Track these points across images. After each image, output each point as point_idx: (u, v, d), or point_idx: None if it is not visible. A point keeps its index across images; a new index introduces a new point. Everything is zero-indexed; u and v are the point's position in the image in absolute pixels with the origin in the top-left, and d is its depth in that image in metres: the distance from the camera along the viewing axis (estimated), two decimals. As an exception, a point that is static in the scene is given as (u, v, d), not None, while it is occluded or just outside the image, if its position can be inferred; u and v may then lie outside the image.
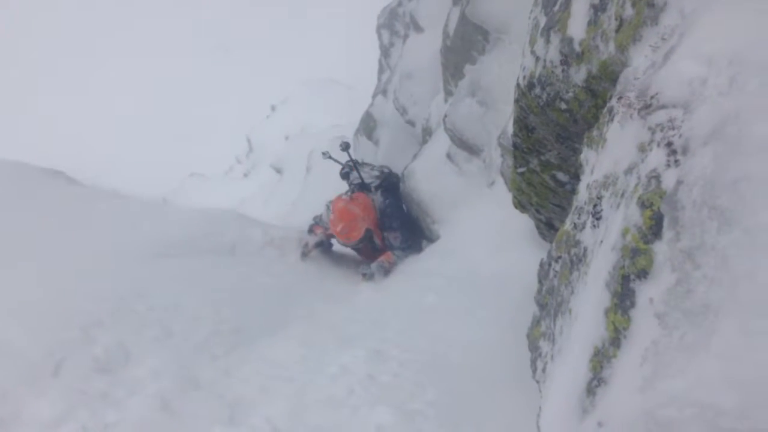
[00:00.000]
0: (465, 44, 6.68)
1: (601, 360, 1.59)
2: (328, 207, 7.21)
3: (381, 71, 12.80)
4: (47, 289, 4.33)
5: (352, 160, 7.29)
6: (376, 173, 7.27)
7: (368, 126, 10.83)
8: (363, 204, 6.83)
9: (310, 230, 7.17)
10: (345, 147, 7.13)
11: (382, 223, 6.97)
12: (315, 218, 7.35)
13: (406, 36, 11.15)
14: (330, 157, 7.25)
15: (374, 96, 11.66)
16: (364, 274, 6.33)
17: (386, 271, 6.34)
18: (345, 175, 7.40)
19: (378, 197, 7.08)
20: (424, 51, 8.90)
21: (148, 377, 3.71)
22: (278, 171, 19.99)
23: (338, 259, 7.04)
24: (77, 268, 4.69)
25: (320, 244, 6.89)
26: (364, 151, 10.41)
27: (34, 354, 3.66)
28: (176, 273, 5.08)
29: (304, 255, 6.59)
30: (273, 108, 30.73)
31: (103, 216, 6.12)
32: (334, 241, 7.18)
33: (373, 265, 6.40)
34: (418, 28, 9.77)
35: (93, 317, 4.10)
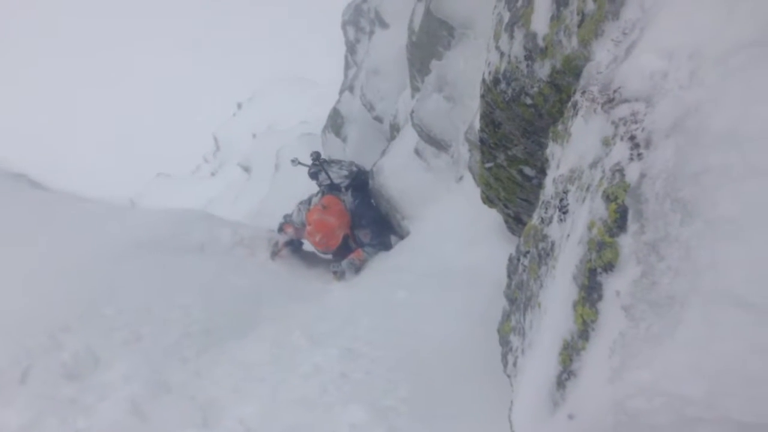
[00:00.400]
0: (430, 40, 6.69)
1: (570, 353, 1.61)
2: (300, 208, 7.18)
3: (347, 67, 12.77)
4: (11, 294, 4.24)
5: (320, 161, 7.24)
6: (345, 173, 7.22)
7: (336, 123, 10.79)
8: (337, 211, 6.83)
9: (280, 229, 7.13)
10: (316, 157, 7.14)
11: (353, 222, 6.97)
12: (285, 217, 7.30)
13: (371, 32, 11.13)
14: (300, 163, 7.26)
15: (341, 92, 11.63)
16: (335, 272, 6.32)
17: (357, 269, 6.34)
18: (314, 175, 7.36)
19: (348, 197, 7.07)
20: (389, 47, 8.90)
21: (118, 382, 3.66)
22: (246, 169, 19.81)
23: (308, 258, 7.01)
24: (43, 273, 4.60)
25: (290, 243, 6.86)
26: (333, 148, 10.38)
27: (0, 361, 3.58)
28: (144, 275, 5.01)
29: (275, 254, 6.55)
30: (239, 106, 30.46)
31: (68, 219, 5.99)
32: (304, 239, 7.15)
33: (344, 263, 6.39)
34: (384, 24, 9.76)
35: (60, 322, 4.03)
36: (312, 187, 7.59)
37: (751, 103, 1.39)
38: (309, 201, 7.27)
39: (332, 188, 7.12)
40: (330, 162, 7.46)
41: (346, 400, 3.54)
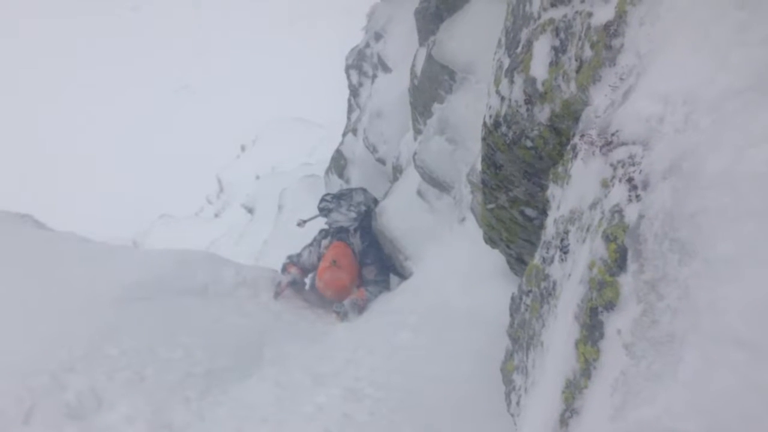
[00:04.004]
0: (432, 84, 6.81)
1: (572, 391, 1.62)
2: (310, 251, 7.21)
3: (350, 110, 12.93)
4: (15, 334, 4.25)
5: (329, 201, 7.36)
6: (353, 215, 7.25)
7: (339, 164, 10.89)
8: (347, 265, 6.86)
9: (284, 269, 7.14)
10: (302, 224, 7.55)
11: (360, 262, 7.00)
12: (289, 257, 7.32)
13: (374, 76, 11.30)
14: (305, 221, 7.48)
15: (344, 135, 11.75)
16: (337, 313, 6.31)
17: (360, 309, 6.33)
18: (324, 213, 7.42)
19: (357, 240, 7.10)
20: (392, 90, 9.04)
21: (122, 422, 3.66)
22: (249, 210, 19.89)
23: (312, 298, 7.01)
24: (46, 312, 4.62)
25: (293, 283, 6.86)
26: (335, 190, 10.45)
27: (3, 402, 3.58)
28: (147, 315, 5.02)
29: (278, 294, 6.55)
30: (243, 148, 30.72)
31: (72, 260, 6.03)
32: (307, 280, 7.17)
33: (347, 303, 6.38)
34: (386, 68, 9.94)
35: (63, 362, 4.04)
36: (315, 226, 7.65)
37: (745, 146, 1.43)
38: (319, 243, 7.28)
39: (341, 230, 7.16)
40: (340, 198, 7.48)
41: (349, 442, 3.52)
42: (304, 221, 7.59)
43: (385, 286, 6.84)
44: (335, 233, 7.18)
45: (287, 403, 4.07)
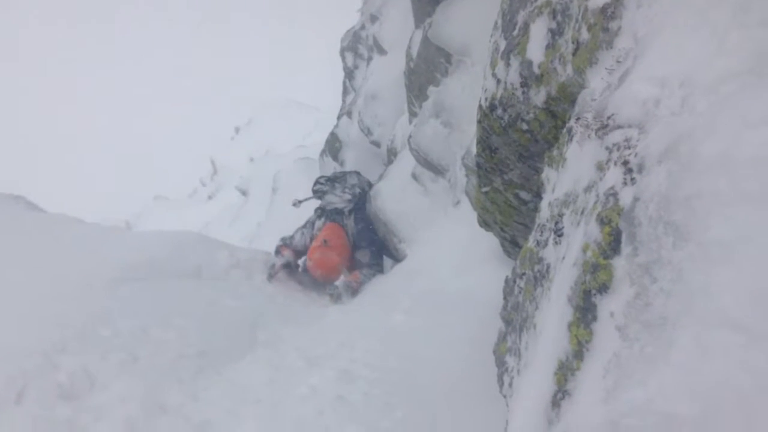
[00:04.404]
0: (428, 66, 6.78)
1: (565, 373, 1.63)
2: (303, 233, 7.21)
3: (345, 93, 12.88)
4: (7, 315, 4.24)
5: (324, 184, 7.37)
6: (348, 197, 7.26)
7: (333, 147, 10.87)
8: (339, 246, 6.88)
9: (277, 252, 7.14)
10: (297, 204, 7.57)
11: (353, 244, 7.01)
12: (282, 239, 7.32)
13: (369, 58, 11.26)
14: (300, 202, 7.49)
15: (339, 117, 11.72)
16: (331, 295, 6.32)
17: (354, 291, 6.35)
18: (319, 195, 7.43)
19: (351, 222, 7.11)
20: (387, 73, 9.00)
21: (115, 402, 3.65)
22: (243, 193, 19.88)
23: (305, 280, 7.02)
24: (39, 294, 4.61)
25: (287, 266, 6.87)
26: (330, 173, 10.45)
27: (-5, 382, 3.58)
28: (141, 297, 5.01)
29: (271, 277, 6.56)
30: (237, 130, 30.64)
31: (65, 241, 6.01)
32: (300, 262, 7.17)
33: (341, 286, 6.39)
34: (382, 51, 9.89)
35: (56, 343, 4.03)
36: (309, 208, 7.65)
37: (741, 129, 1.43)
38: (312, 224, 7.29)
39: (335, 212, 7.17)
40: (334, 181, 7.49)
41: (343, 422, 3.54)
42: (300, 201, 7.60)
43: (378, 269, 6.86)
44: (329, 215, 7.19)
45: (281, 385, 4.08)
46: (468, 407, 3.44)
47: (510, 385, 2.17)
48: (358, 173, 7.80)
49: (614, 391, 1.41)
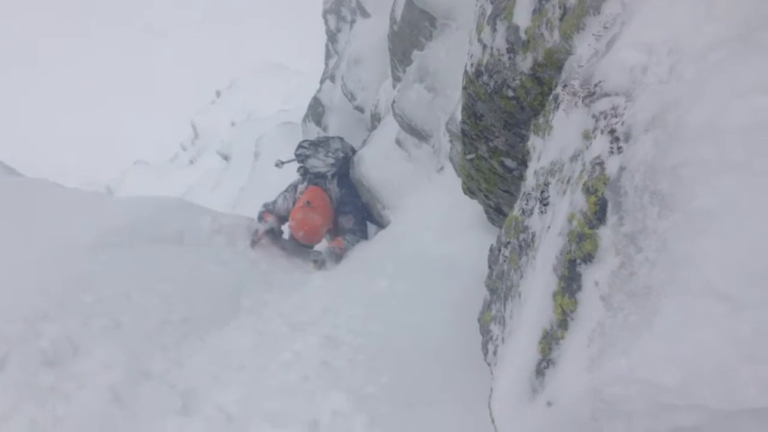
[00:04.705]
0: (412, 30, 6.69)
1: (549, 342, 1.64)
2: (285, 196, 7.18)
3: (328, 56, 12.72)
4: (-13, 283, 4.20)
5: (306, 148, 7.31)
6: (331, 161, 7.22)
7: (316, 112, 10.77)
8: (321, 207, 6.83)
9: (260, 218, 7.11)
10: (279, 165, 7.47)
11: (337, 209, 6.99)
12: (265, 205, 7.29)
13: (353, 21, 11.10)
14: (284, 163, 7.41)
15: (322, 81, 11.59)
16: (315, 261, 6.32)
17: (337, 258, 6.35)
18: (301, 159, 7.38)
19: (334, 187, 7.09)
20: (371, 36, 8.89)
21: (98, 369, 3.64)
22: (225, 158, 19.73)
23: (289, 247, 7.01)
24: (19, 260, 4.55)
25: (270, 232, 6.84)
26: (313, 138, 10.37)
27: (-24, 350, 3.55)
28: (123, 263, 4.98)
29: (254, 243, 6.53)
30: (218, 93, 30.24)
31: (45, 206, 5.93)
32: (284, 227, 7.15)
33: (324, 252, 6.40)
34: (365, 14, 9.75)
35: (38, 310, 3.99)
36: (292, 173, 7.60)
37: (730, 97, 1.42)
38: (295, 188, 7.26)
39: (318, 176, 7.13)
40: (317, 145, 7.44)
41: (328, 388, 3.56)
42: (283, 162, 7.52)
43: (362, 234, 6.85)
44: (312, 179, 7.16)
45: (265, 351, 4.09)
46: (452, 374, 3.47)
47: (494, 353, 2.19)
48: (341, 138, 7.75)
49: (598, 359, 1.42)
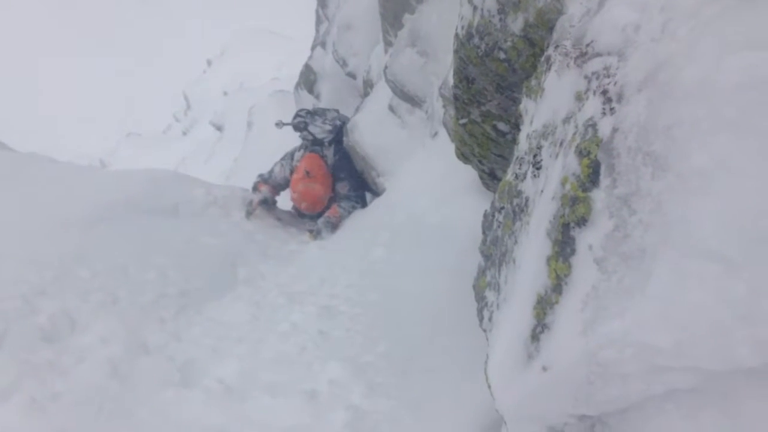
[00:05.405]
0: (403, -7, 6.58)
1: (544, 307, 1.63)
2: (282, 164, 7.15)
3: (319, 22, 12.53)
4: (-18, 259, 4.18)
5: (304, 117, 7.24)
6: (329, 127, 7.20)
7: (308, 79, 10.65)
8: (321, 176, 6.87)
9: (255, 188, 7.08)
10: (280, 125, 7.30)
11: (333, 176, 6.99)
12: (259, 176, 7.25)
13: (343, -15, 10.91)
14: (284, 124, 7.32)
15: (313, 48, 11.43)
16: (311, 231, 6.31)
17: (333, 227, 6.34)
18: (298, 128, 7.32)
19: (330, 153, 7.09)
20: (362, 1, 8.74)
21: (96, 344, 3.65)
22: (218, 128, 19.60)
23: (284, 217, 6.99)
24: (14, 235, 4.53)
25: (265, 202, 6.82)
26: (306, 106, 10.27)
27: (-27, 327, 3.54)
28: (118, 236, 4.95)
29: (249, 213, 6.51)
30: (209, 62, 29.90)
31: (38, 181, 5.88)
32: (278, 198, 7.13)
33: (320, 222, 6.39)
34: (355, -23, 9.57)
35: (34, 286, 3.98)
36: (286, 143, 7.54)
37: (723, 54, 1.39)
38: (292, 156, 7.24)
39: (315, 143, 7.11)
40: (314, 114, 7.40)
41: (325, 358, 3.58)
42: (284, 123, 7.45)
43: (357, 200, 6.84)
44: (309, 146, 7.14)
45: (263, 322, 4.10)
46: (448, 341, 3.48)
47: (490, 319, 2.18)
48: (337, 110, 7.74)
49: (592, 323, 1.41)
